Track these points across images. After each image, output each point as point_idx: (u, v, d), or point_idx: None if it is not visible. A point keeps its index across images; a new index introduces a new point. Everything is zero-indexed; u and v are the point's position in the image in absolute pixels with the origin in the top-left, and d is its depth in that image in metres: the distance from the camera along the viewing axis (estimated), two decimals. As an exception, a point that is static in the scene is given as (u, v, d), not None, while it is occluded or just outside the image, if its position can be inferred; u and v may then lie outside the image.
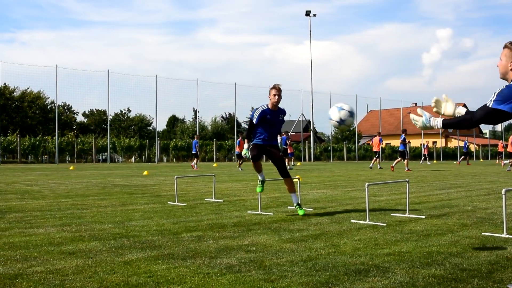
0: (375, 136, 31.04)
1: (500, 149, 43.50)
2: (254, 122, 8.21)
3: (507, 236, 6.05)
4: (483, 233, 6.33)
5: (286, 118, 8.75)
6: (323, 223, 7.21)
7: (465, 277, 4.25)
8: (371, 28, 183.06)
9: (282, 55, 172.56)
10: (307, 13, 55.42)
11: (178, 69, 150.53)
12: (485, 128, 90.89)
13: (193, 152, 32.29)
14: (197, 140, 32.63)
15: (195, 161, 31.44)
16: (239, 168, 27.71)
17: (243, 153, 8.60)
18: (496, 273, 4.36)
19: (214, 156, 49.94)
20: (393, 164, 27.74)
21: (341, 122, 6.79)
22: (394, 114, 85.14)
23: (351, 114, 6.86)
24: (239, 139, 30.33)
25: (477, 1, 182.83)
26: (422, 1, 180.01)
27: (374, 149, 31.00)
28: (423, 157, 48.41)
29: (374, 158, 30.40)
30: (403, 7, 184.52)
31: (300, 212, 8.05)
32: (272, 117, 8.21)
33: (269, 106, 8.23)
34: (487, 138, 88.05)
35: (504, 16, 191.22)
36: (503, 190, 6.24)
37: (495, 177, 19.99)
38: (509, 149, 29.21)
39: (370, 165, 30.60)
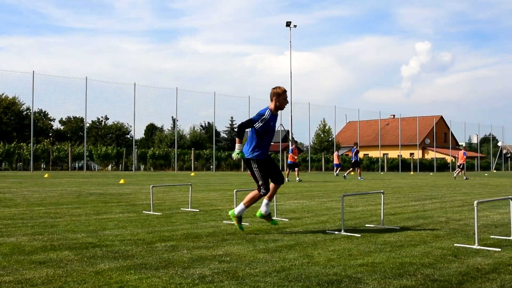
0: (460, 150, 34.64)
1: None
2: (256, 128, 7.13)
3: (479, 247, 6.11)
4: (455, 244, 6.38)
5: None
6: (298, 234, 7.21)
7: (436, 287, 4.28)
8: (352, 40, 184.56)
9: (263, 65, 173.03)
10: (288, 24, 55.62)
11: (159, 78, 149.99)
12: (461, 140, 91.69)
13: None
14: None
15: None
16: (297, 179, 26.29)
17: (234, 155, 7.25)
18: (466, 284, 4.40)
19: (192, 165, 49.78)
20: None
21: None
22: (372, 126, 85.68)
23: None
24: (292, 147, 27.16)
25: (455, 15, 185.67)
26: (402, 15, 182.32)
27: (459, 162, 33.82)
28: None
29: (459, 169, 33.29)
30: (384, 20, 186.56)
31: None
32: (274, 124, 7.34)
33: (273, 112, 7.26)
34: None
35: (481, 31, 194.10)
36: (475, 202, 6.31)
37: (469, 188, 20.19)
38: (460, 161, 32.97)
39: (455, 175, 33.42)
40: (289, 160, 27.14)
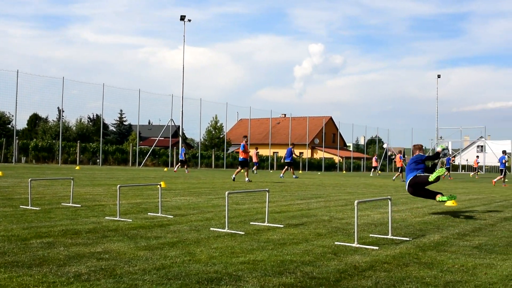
0: (398, 154, 36.36)
1: (374, 164, 51.08)
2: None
3: (358, 245, 6.30)
4: (336, 243, 6.54)
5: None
6: (182, 231, 7.13)
7: (314, 285, 4.34)
8: (247, 38, 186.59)
9: (156, 58, 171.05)
10: (182, 18, 55.10)
11: (45, 66, 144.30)
12: (349, 141, 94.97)
13: (180, 159, 36.85)
14: (184, 148, 37.58)
15: (178, 165, 36.76)
16: (233, 177, 23.81)
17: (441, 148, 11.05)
18: (343, 281, 4.50)
19: (78, 159, 48.23)
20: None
21: None
22: (263, 124, 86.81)
23: None
24: (243, 143, 24.40)
25: (348, 20, 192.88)
26: (297, 16, 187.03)
27: (398, 165, 35.06)
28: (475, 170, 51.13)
29: (398, 173, 34.63)
30: (279, 20, 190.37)
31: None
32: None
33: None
34: (351, 151, 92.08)
35: (372, 36, 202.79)
36: (356, 202, 6.49)
37: (354, 188, 20.88)
38: (398, 165, 34.61)
39: (393, 178, 34.13)
40: (240, 156, 24.39)
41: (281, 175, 30.88)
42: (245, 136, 25.13)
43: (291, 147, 32.19)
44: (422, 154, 11.13)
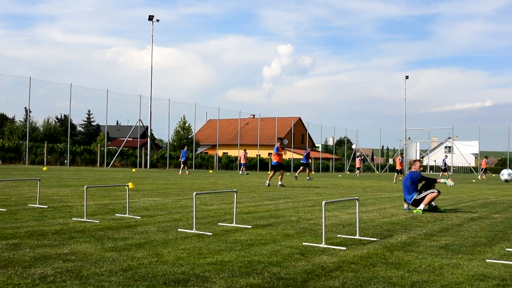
0: (399, 156, 37.05)
1: (358, 165, 52.47)
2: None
3: (326, 246, 6.34)
4: (303, 243, 6.57)
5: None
6: (150, 232, 7.10)
7: (281, 285, 4.37)
8: (216, 38, 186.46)
9: (124, 59, 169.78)
10: (150, 18, 54.83)
11: (13, 66, 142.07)
12: (318, 142, 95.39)
13: (182, 160, 36.93)
14: (186, 150, 37.36)
15: (182, 167, 36.77)
16: (267, 183, 21.88)
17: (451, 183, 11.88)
18: (310, 282, 4.53)
19: (45, 159, 47.62)
20: None
21: None
22: (232, 125, 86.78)
23: None
24: (277, 145, 22.22)
25: (317, 21, 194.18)
26: (266, 17, 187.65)
27: (397, 167, 35.04)
28: (482, 171, 51.64)
29: (396, 174, 34.20)
30: (248, 21, 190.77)
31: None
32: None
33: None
34: (320, 151, 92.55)
35: (341, 37, 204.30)
36: (323, 202, 6.53)
37: (322, 189, 20.96)
38: (397, 167, 34.72)
39: (394, 181, 33.03)
40: (274, 160, 22.37)
41: (296, 175, 30.94)
42: (280, 138, 23.06)
43: (308, 149, 32.87)
44: (418, 172, 11.96)
